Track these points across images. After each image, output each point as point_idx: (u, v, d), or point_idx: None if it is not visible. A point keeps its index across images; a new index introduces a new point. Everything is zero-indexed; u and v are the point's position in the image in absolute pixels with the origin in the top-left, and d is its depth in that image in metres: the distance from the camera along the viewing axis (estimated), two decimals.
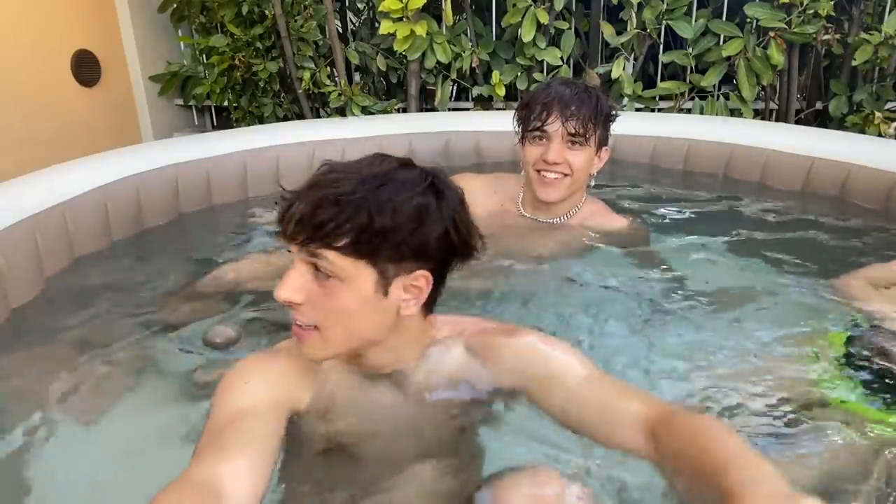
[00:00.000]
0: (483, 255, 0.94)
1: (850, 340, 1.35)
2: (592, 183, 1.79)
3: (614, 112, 1.71)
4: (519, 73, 3.24)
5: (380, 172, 0.86)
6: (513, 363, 0.97)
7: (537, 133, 1.67)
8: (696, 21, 3.06)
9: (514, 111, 1.76)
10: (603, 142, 1.69)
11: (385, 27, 3.02)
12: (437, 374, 0.99)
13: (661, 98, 3.22)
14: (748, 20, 2.92)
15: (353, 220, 0.82)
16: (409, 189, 0.85)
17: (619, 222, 1.84)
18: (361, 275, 0.85)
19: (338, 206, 0.82)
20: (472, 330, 1.02)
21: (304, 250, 0.85)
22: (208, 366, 1.40)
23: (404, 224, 0.84)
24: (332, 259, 0.84)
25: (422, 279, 0.89)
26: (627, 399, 0.91)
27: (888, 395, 1.22)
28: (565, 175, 1.68)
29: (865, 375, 1.27)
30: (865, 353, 1.31)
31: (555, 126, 1.63)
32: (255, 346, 1.44)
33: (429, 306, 0.96)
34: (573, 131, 1.62)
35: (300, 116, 3.47)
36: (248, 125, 3.45)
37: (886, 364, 1.28)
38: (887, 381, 1.25)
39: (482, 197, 1.83)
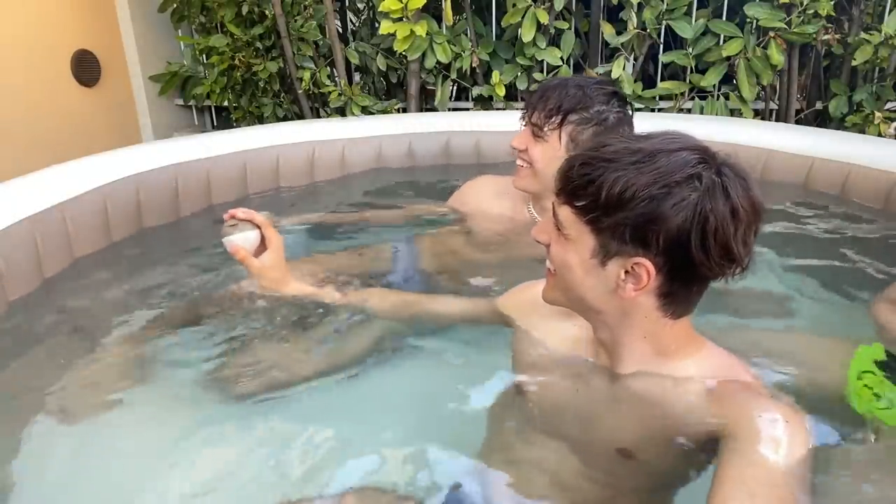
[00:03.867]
0: (741, 278, 0.85)
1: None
2: None
3: (611, 116, 1.55)
4: (519, 73, 3.24)
5: (650, 149, 0.81)
6: (738, 410, 0.86)
7: (522, 119, 1.66)
8: (696, 21, 3.06)
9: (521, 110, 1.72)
10: (583, 143, 1.59)
11: (385, 27, 3.01)
12: (649, 389, 0.92)
13: (661, 98, 3.22)
14: (748, 20, 2.92)
15: (590, 186, 0.82)
16: (663, 174, 0.79)
17: None
18: (582, 239, 0.86)
19: (586, 167, 0.83)
20: (729, 375, 0.91)
21: (555, 200, 0.89)
22: (211, 365, 1.40)
23: (633, 206, 0.79)
24: (565, 215, 0.87)
25: (642, 268, 0.83)
26: None
27: None
28: (528, 164, 1.63)
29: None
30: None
31: (526, 112, 1.62)
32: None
33: (672, 307, 0.87)
34: (534, 121, 1.58)
35: (300, 116, 3.47)
36: (248, 125, 3.45)
37: None
38: None
39: (496, 196, 1.82)
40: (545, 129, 1.57)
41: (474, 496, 0.99)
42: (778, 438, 0.81)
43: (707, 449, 0.86)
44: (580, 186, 0.83)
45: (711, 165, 0.81)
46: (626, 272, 0.84)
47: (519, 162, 1.66)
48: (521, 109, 1.64)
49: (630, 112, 1.61)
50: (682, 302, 0.88)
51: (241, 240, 1.25)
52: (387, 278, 1.74)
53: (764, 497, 0.76)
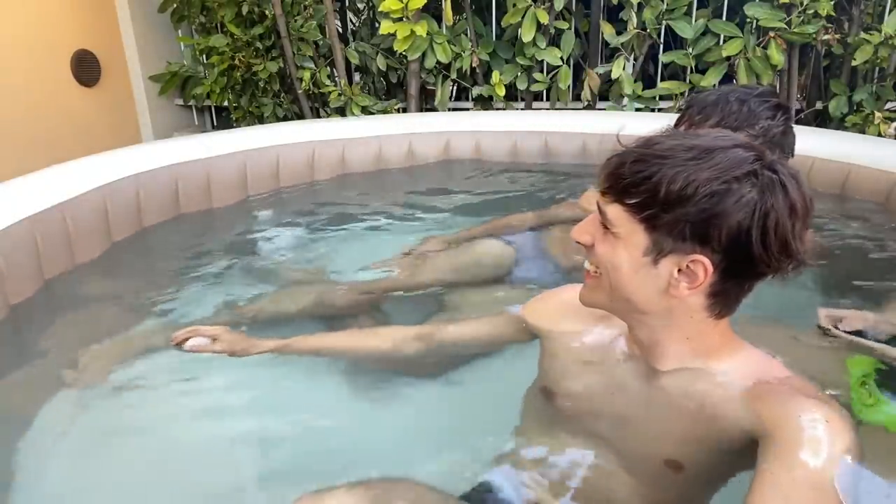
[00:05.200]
0: (797, 274, 0.83)
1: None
2: None
3: (776, 131, 1.44)
4: (519, 73, 3.24)
5: (705, 145, 0.81)
6: (776, 410, 0.84)
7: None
8: (696, 21, 3.06)
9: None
10: None
11: (385, 27, 3.02)
12: (689, 391, 0.91)
13: (661, 98, 3.22)
14: (748, 20, 2.92)
15: (645, 182, 0.80)
16: (723, 170, 0.78)
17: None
18: (633, 237, 0.83)
19: (639, 164, 0.81)
20: (769, 375, 0.90)
21: (601, 198, 0.86)
22: (210, 365, 1.40)
23: (694, 202, 0.78)
24: (615, 213, 0.84)
25: (699, 265, 0.81)
26: None
27: None
28: None
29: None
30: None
31: (681, 128, 1.46)
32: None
33: (718, 307, 0.86)
34: None
35: (300, 116, 3.47)
36: (248, 125, 3.46)
37: None
38: None
39: None
40: None
41: (508, 493, 0.99)
42: (818, 440, 0.79)
43: (749, 452, 0.85)
44: (633, 184, 0.81)
45: (766, 163, 0.81)
46: (680, 270, 0.83)
47: None
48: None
49: (792, 122, 1.51)
50: (731, 301, 0.87)
51: (198, 341, 1.34)
52: (514, 274, 1.73)
53: (799, 501, 0.75)
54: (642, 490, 0.95)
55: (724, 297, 0.86)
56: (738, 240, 0.79)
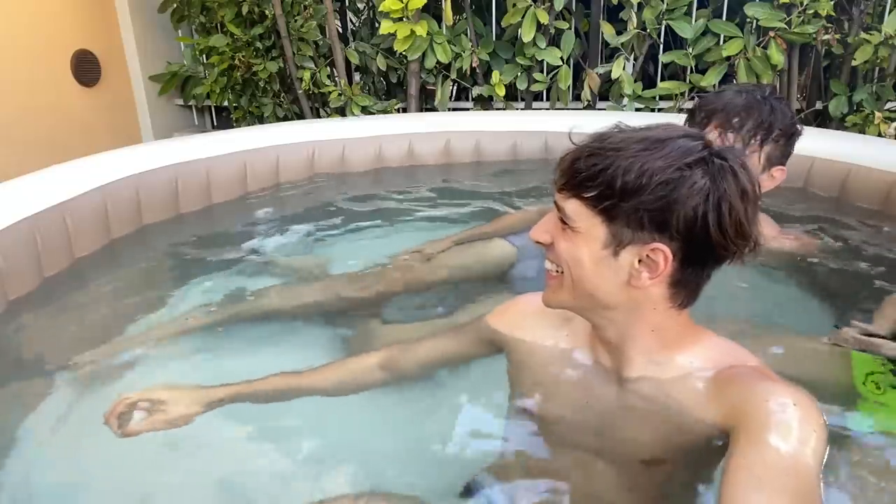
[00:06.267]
0: (753, 258, 0.85)
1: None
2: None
3: (794, 128, 1.50)
4: (519, 73, 3.24)
5: (655, 136, 0.83)
6: (737, 399, 0.85)
7: None
8: (696, 21, 3.06)
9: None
10: (774, 160, 1.50)
11: (385, 27, 3.02)
12: (658, 387, 0.91)
13: (661, 98, 3.22)
14: (748, 20, 2.92)
15: (601, 174, 0.82)
16: (675, 158, 0.80)
17: (788, 243, 1.69)
18: (592, 231, 0.85)
19: (594, 157, 0.83)
20: (733, 361, 0.91)
21: (557, 195, 0.88)
22: (211, 366, 1.40)
23: (650, 190, 0.80)
24: (573, 208, 0.85)
25: (659, 254, 0.83)
26: None
27: None
28: None
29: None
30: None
31: (712, 136, 1.44)
32: None
33: (680, 297, 0.88)
34: (732, 144, 1.44)
35: (300, 116, 3.47)
36: (248, 125, 3.46)
37: None
38: None
39: None
40: (748, 149, 1.45)
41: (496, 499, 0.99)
42: (788, 423, 0.80)
43: (723, 438, 0.86)
44: (589, 177, 0.83)
45: (714, 151, 0.83)
46: (640, 261, 0.84)
47: None
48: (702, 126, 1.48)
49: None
50: (692, 290, 0.88)
51: (138, 418, 1.14)
52: (514, 269, 1.73)
53: (772, 483, 0.75)
54: (629, 487, 0.96)
55: (685, 286, 0.87)
56: (695, 225, 0.81)
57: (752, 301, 1.60)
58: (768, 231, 1.69)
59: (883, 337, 1.31)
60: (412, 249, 1.83)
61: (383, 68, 3.37)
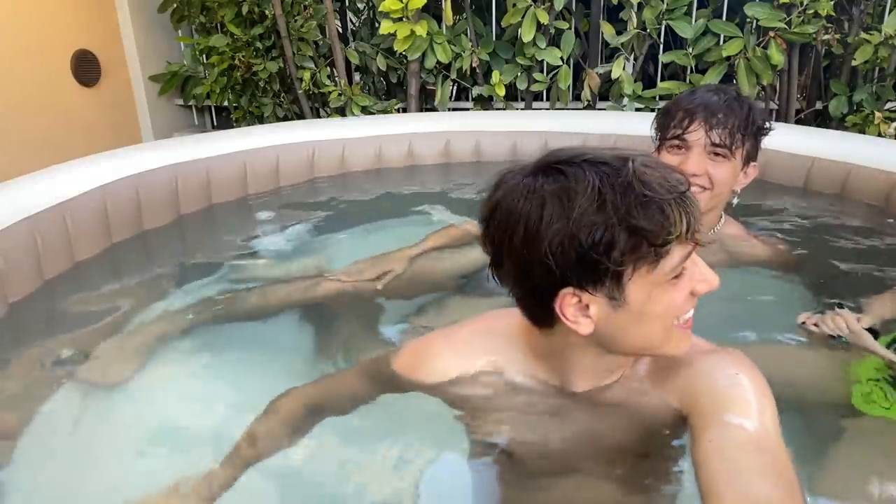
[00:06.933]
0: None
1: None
2: (735, 202, 1.64)
3: (767, 125, 1.54)
4: (519, 73, 3.24)
5: None
6: (683, 382, 0.86)
7: (677, 142, 1.50)
8: (696, 21, 3.06)
9: (654, 118, 1.59)
10: (751, 157, 1.54)
11: (385, 27, 3.02)
12: (612, 398, 0.91)
13: (661, 98, 3.22)
14: (748, 20, 2.92)
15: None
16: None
17: (761, 248, 1.68)
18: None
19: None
20: None
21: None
22: (212, 366, 1.40)
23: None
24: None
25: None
26: (761, 483, 0.73)
27: None
28: (704, 189, 1.49)
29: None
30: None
31: (697, 135, 1.47)
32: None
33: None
34: (717, 141, 1.46)
35: (300, 116, 3.47)
36: (248, 125, 3.46)
37: None
38: None
39: None
40: (732, 147, 1.47)
41: None
42: (742, 396, 0.81)
43: (684, 419, 0.86)
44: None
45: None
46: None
47: (695, 189, 1.53)
48: (673, 132, 1.50)
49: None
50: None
51: None
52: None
53: (747, 463, 0.75)
54: (616, 485, 0.95)
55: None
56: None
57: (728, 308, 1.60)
58: (734, 231, 1.70)
59: (875, 334, 1.32)
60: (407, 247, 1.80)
61: (383, 68, 3.37)
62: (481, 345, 0.99)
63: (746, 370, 0.84)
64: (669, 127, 1.51)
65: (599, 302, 0.79)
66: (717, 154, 1.49)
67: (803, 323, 1.39)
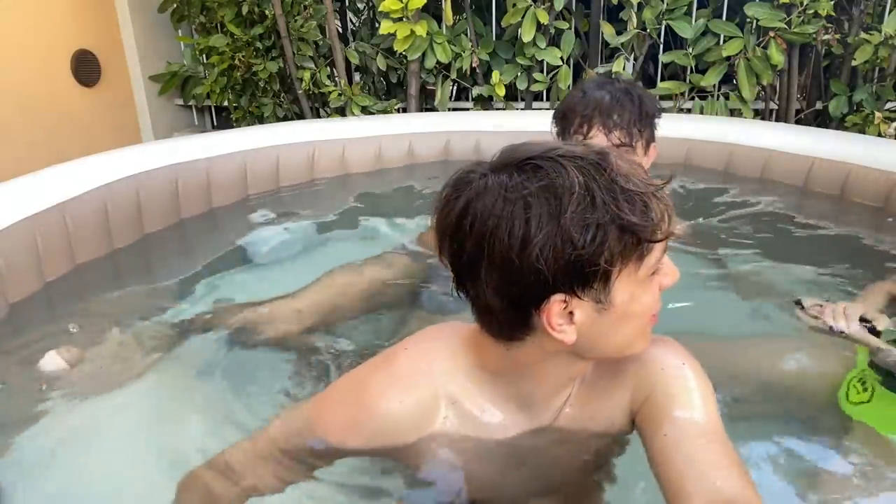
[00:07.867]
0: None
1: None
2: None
3: (658, 107, 1.57)
4: (519, 73, 3.24)
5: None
6: (635, 377, 0.84)
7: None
8: (696, 21, 3.06)
9: (552, 117, 1.59)
10: (650, 141, 1.56)
11: (385, 27, 3.02)
12: (577, 416, 0.89)
13: (661, 98, 3.22)
14: (748, 20, 2.92)
15: None
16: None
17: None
18: None
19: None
20: None
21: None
22: (212, 367, 1.40)
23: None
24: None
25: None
26: (723, 476, 0.74)
27: None
28: None
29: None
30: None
31: (597, 140, 1.48)
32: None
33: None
34: (618, 142, 1.48)
35: (300, 116, 3.47)
36: (248, 125, 3.46)
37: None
38: None
39: None
40: (633, 142, 1.49)
41: None
42: (687, 388, 0.81)
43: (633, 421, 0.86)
44: None
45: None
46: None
47: None
48: (575, 139, 1.50)
49: None
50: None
51: None
52: (430, 289, 1.65)
53: (704, 455, 0.76)
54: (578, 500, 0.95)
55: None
56: None
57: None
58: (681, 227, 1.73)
59: (870, 329, 1.32)
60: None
61: (383, 68, 3.37)
62: (426, 371, 0.86)
63: (688, 359, 0.83)
64: (570, 132, 1.52)
65: (585, 307, 0.74)
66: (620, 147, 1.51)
67: (802, 307, 1.39)
